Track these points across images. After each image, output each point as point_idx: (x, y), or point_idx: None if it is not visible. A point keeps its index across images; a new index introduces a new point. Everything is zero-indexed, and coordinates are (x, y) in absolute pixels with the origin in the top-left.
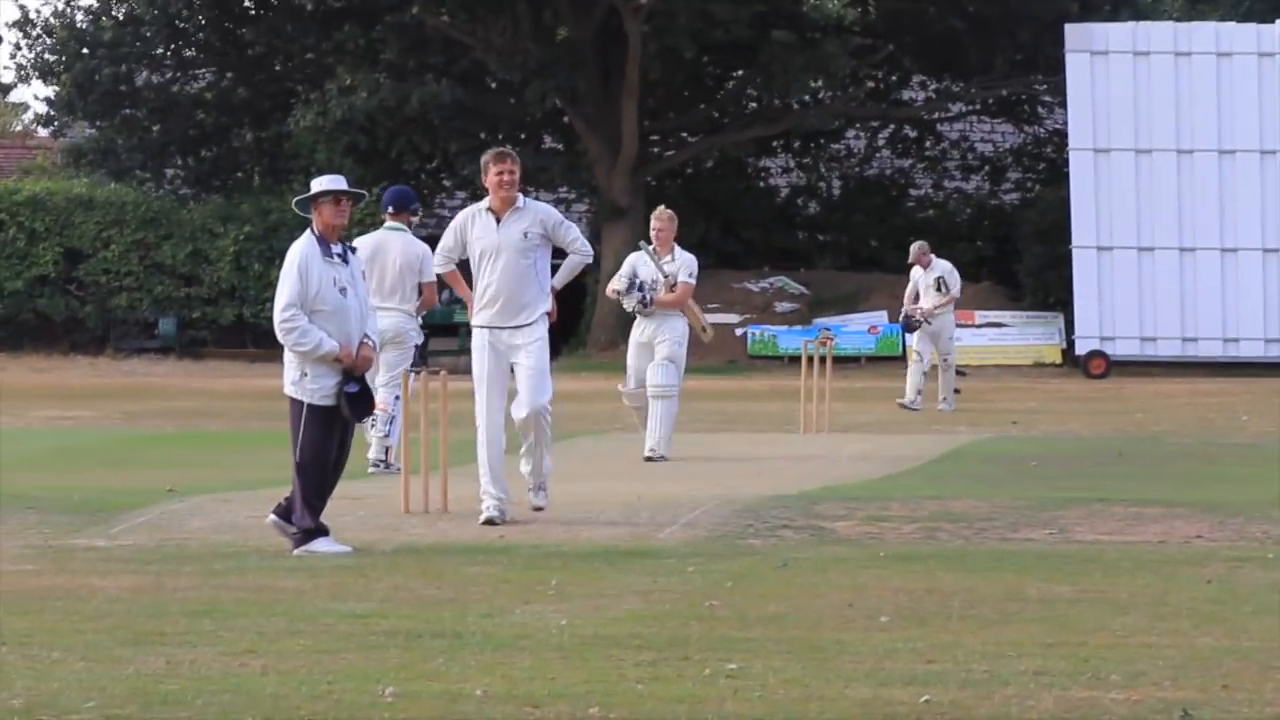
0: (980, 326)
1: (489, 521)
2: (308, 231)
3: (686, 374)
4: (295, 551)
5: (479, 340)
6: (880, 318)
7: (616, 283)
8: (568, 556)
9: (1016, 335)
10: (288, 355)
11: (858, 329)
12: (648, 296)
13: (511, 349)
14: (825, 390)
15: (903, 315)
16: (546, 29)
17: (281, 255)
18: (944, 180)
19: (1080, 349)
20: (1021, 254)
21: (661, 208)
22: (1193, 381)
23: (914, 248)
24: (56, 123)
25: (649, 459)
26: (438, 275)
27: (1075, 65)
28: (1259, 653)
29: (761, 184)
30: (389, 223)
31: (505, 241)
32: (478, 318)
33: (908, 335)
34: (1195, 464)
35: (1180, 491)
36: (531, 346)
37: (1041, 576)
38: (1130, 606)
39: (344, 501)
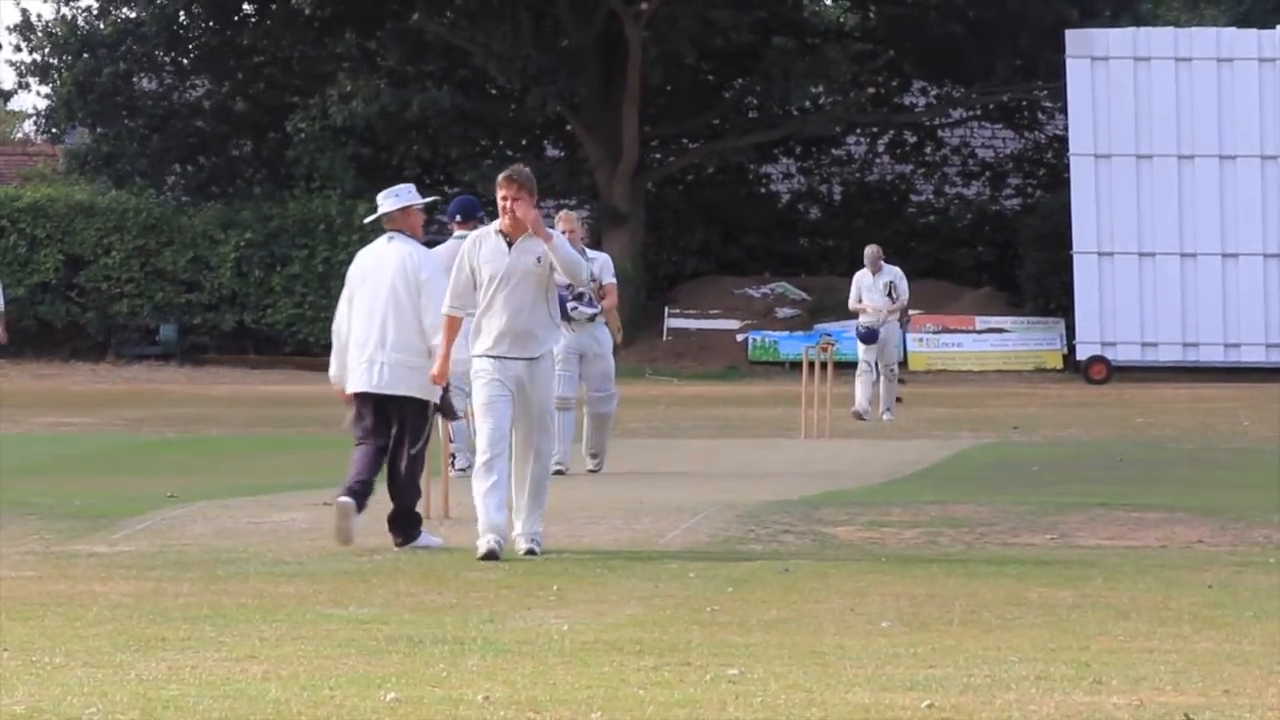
0: (981, 332)
1: (489, 555)
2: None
3: (685, 379)
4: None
5: (482, 366)
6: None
7: None
8: (569, 561)
9: (1017, 341)
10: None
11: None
12: (591, 299)
13: (520, 379)
14: (826, 396)
15: (862, 327)
16: (547, 35)
17: (282, 262)
18: (945, 186)
19: (1081, 354)
20: (1022, 259)
21: (565, 210)
22: (1194, 387)
23: (871, 250)
24: (56, 127)
25: (593, 471)
26: (449, 316)
27: (1076, 71)
28: (1261, 657)
29: (762, 190)
30: (457, 232)
31: (516, 267)
32: (479, 346)
33: (861, 346)
34: (1196, 469)
35: (1181, 496)
36: (543, 381)
37: (1043, 581)
38: (1131, 611)
39: None
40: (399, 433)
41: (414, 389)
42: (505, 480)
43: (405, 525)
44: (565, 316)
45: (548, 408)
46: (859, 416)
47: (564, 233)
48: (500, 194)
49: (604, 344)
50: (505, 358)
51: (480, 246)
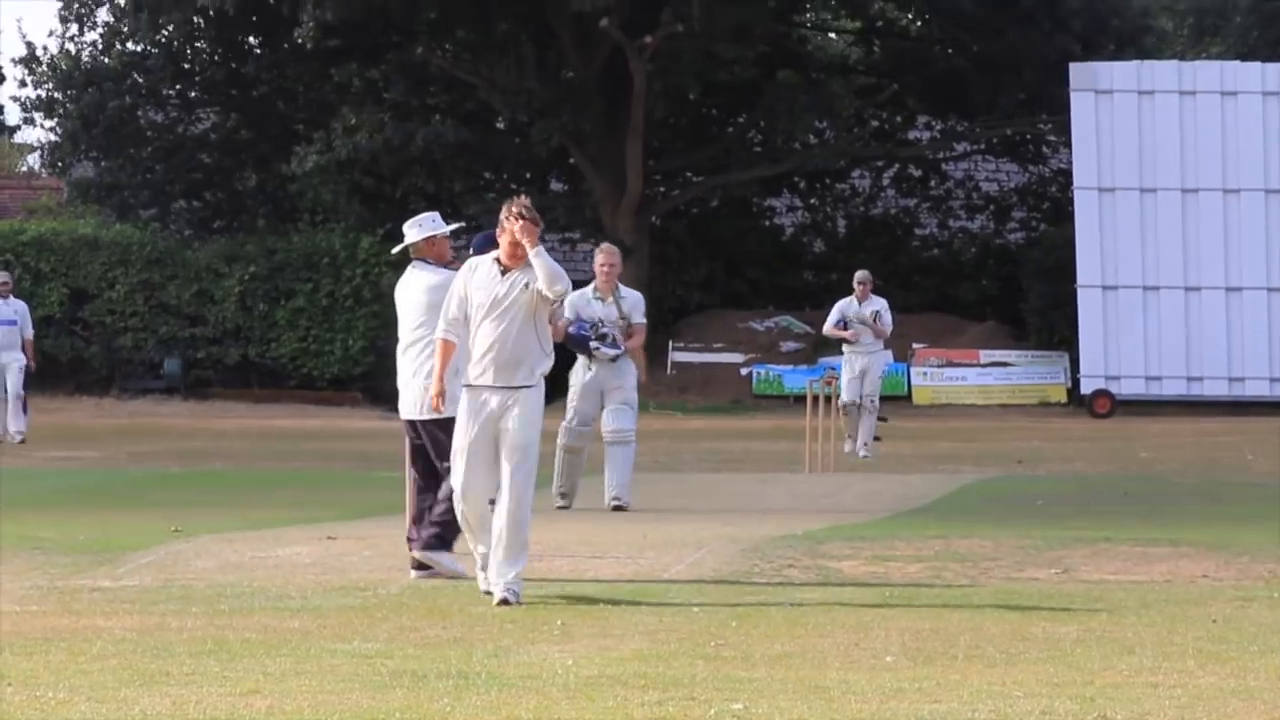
0: (985, 366)
1: (504, 603)
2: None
3: (689, 413)
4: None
5: (464, 403)
6: (885, 357)
7: (572, 328)
8: (573, 596)
9: (1021, 374)
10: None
11: (883, 367)
12: (615, 340)
13: (499, 412)
14: (830, 430)
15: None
16: (551, 69)
17: (286, 296)
18: (949, 219)
19: (1085, 388)
20: (1026, 293)
21: (606, 244)
22: (1198, 421)
23: (862, 275)
24: (61, 161)
25: (616, 508)
26: (443, 341)
27: (1080, 104)
28: (1265, 692)
29: (766, 223)
30: None
31: (506, 293)
32: (467, 374)
33: (845, 381)
34: (1201, 503)
35: (1186, 531)
36: (523, 416)
37: (1047, 616)
38: (1136, 646)
39: (350, 541)
40: (433, 457)
41: (446, 413)
42: (488, 523)
43: (432, 547)
44: (588, 355)
45: (527, 444)
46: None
47: (604, 266)
48: (503, 214)
49: (627, 378)
50: (485, 387)
51: (474, 273)
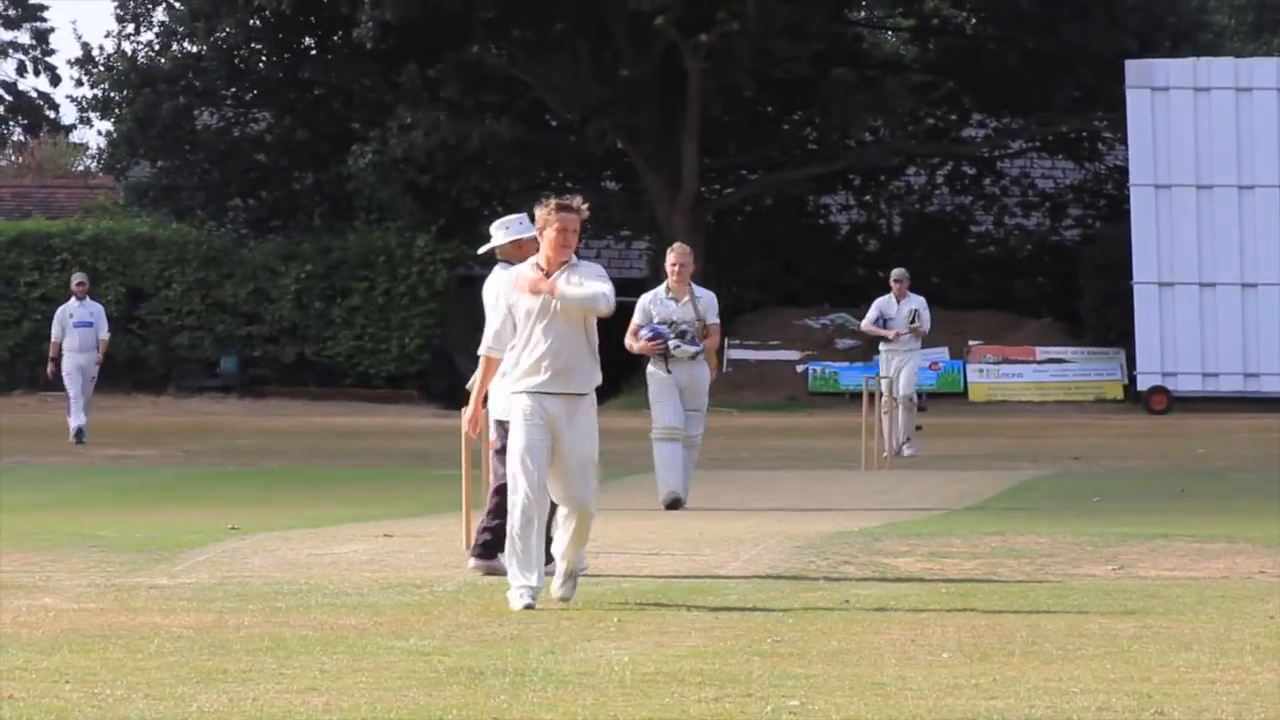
0: (1042, 363)
1: (527, 608)
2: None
3: (745, 410)
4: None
5: (520, 403)
6: (941, 354)
7: (645, 331)
8: (629, 593)
9: (1078, 371)
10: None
11: (919, 365)
12: (694, 338)
13: (559, 421)
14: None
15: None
16: (606, 67)
17: (342, 294)
18: (1004, 217)
19: (1142, 385)
20: (1083, 290)
21: (679, 243)
22: (1255, 417)
23: (900, 273)
24: (117, 162)
25: (675, 505)
26: (487, 357)
27: (1135, 101)
28: None
29: (821, 221)
30: None
31: (553, 300)
32: (520, 383)
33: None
34: (1258, 499)
35: (1243, 527)
36: (584, 427)
37: (1104, 612)
38: (1193, 642)
39: (406, 539)
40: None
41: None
42: (541, 540)
43: (485, 548)
44: (666, 354)
45: (589, 458)
46: (910, 455)
47: (675, 265)
48: (542, 216)
49: (701, 383)
50: (545, 393)
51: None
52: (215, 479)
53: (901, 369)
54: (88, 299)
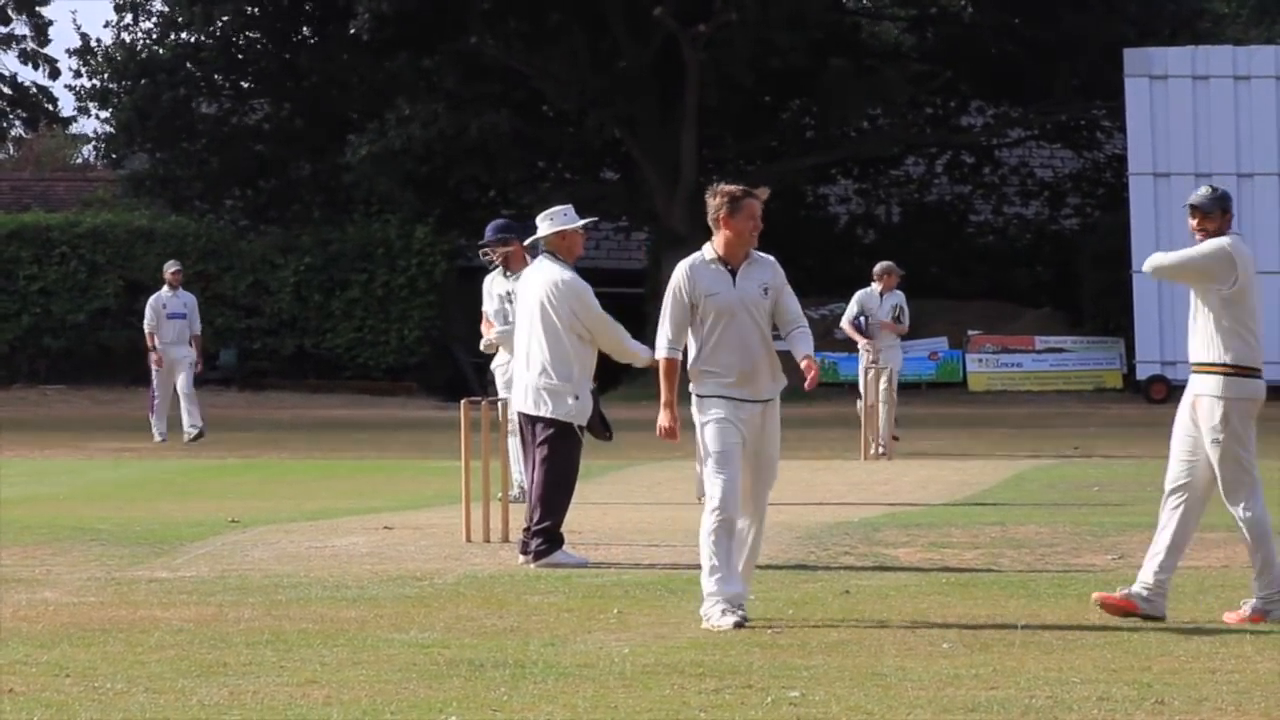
0: (1041, 352)
1: (739, 625)
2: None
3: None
4: (541, 565)
5: (715, 407)
6: (940, 344)
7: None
8: (629, 585)
9: (1077, 360)
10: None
11: (918, 355)
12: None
13: (754, 428)
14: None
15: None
16: (604, 57)
17: (341, 286)
18: (1003, 206)
19: (1141, 374)
20: (1082, 279)
21: (889, 263)
22: None
23: (886, 266)
24: (115, 153)
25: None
26: (666, 360)
27: (1134, 90)
28: None
29: (820, 211)
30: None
31: (743, 298)
32: (707, 386)
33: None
34: None
35: None
36: (771, 434)
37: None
38: (1193, 632)
39: (406, 531)
40: (538, 453)
41: (555, 412)
42: (739, 544)
43: (541, 544)
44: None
45: (775, 459)
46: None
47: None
48: (729, 208)
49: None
50: (742, 400)
51: (698, 276)
52: (215, 472)
53: (887, 365)
54: (181, 289)
